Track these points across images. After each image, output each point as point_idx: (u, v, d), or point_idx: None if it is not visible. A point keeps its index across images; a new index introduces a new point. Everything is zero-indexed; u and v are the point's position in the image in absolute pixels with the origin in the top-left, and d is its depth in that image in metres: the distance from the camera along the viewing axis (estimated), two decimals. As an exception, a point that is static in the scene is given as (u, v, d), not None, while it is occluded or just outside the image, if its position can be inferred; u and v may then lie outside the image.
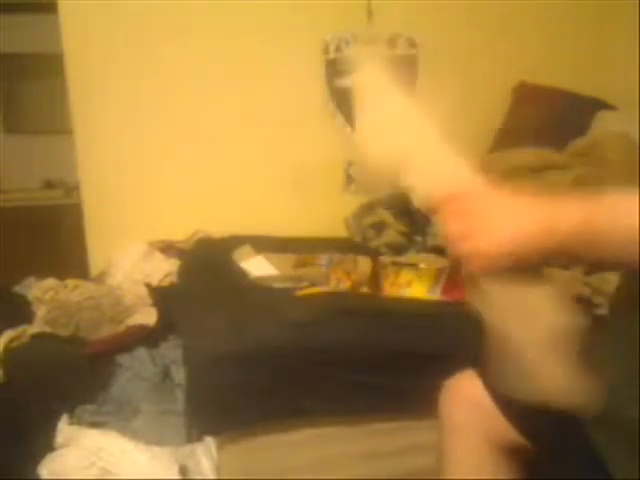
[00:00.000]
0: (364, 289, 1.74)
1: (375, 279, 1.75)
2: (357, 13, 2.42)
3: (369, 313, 1.58)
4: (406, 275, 1.75)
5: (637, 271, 0.71)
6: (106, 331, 1.80)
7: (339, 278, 1.77)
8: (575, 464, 0.93)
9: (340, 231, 2.34)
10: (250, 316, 1.55)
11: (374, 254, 1.96)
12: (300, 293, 1.70)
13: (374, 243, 2.17)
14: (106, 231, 2.42)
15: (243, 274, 1.87)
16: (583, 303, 1.58)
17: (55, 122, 3.53)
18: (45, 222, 3.74)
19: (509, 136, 2.34)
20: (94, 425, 1.55)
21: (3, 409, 1.55)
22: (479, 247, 0.74)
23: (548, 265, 0.83)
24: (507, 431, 0.99)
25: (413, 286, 1.71)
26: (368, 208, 2.32)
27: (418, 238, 2.13)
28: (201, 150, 2.44)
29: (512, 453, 1.02)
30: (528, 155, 2.00)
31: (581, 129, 2.14)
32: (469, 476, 1.04)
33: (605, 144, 1.99)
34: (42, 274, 2.05)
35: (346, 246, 2.09)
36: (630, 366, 0.85)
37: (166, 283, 2.11)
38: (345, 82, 2.49)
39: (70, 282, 1.95)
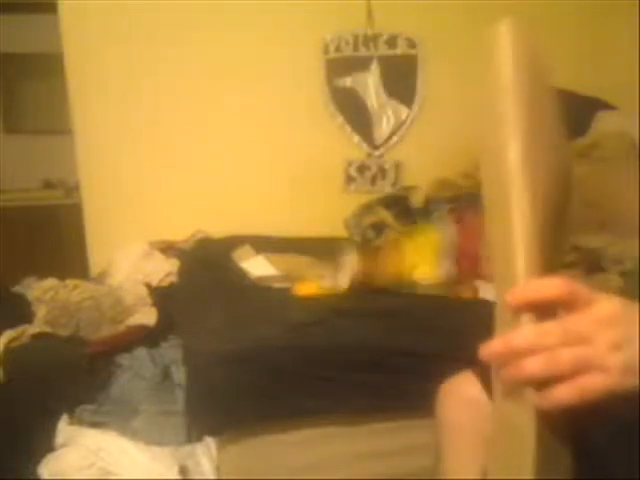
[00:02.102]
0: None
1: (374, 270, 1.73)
2: (357, 13, 2.42)
3: (369, 313, 1.58)
4: (410, 256, 1.72)
5: None
6: (106, 331, 1.80)
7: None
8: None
9: (340, 231, 2.34)
10: (250, 316, 1.55)
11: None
12: (300, 292, 1.70)
13: (374, 243, 2.16)
14: (106, 231, 2.42)
15: (243, 274, 1.87)
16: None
17: (55, 122, 3.54)
18: (45, 222, 3.74)
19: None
20: (94, 425, 1.55)
21: (3, 409, 1.55)
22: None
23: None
24: None
25: (419, 268, 1.69)
26: (368, 208, 2.32)
27: (418, 238, 2.13)
28: (201, 150, 2.44)
29: None
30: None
31: (581, 129, 2.14)
32: (466, 476, 1.04)
33: (605, 144, 1.99)
34: (42, 274, 2.05)
35: (346, 246, 2.09)
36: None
37: (166, 283, 2.11)
38: (345, 82, 2.50)
39: (70, 282, 1.95)
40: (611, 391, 0.52)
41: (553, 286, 0.53)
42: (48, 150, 3.97)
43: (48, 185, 4.22)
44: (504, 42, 0.61)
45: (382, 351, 1.48)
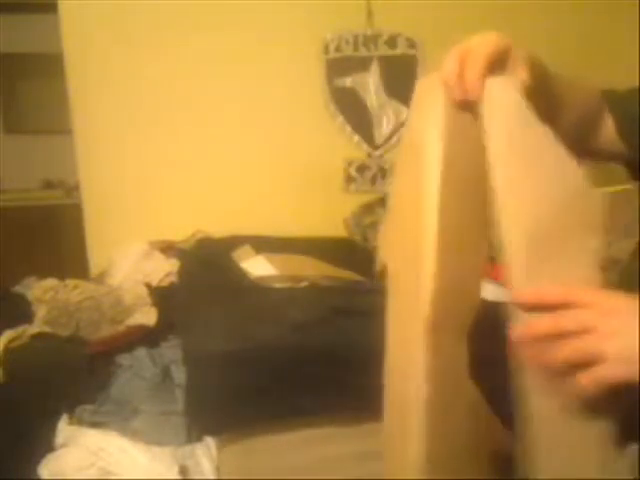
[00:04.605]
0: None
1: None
2: (357, 13, 2.42)
3: (369, 312, 1.58)
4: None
5: None
6: (106, 331, 1.80)
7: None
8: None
9: (340, 231, 2.34)
10: (250, 316, 1.55)
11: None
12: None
13: (374, 243, 2.17)
14: (106, 231, 2.42)
15: (243, 274, 1.87)
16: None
17: (55, 122, 3.53)
18: (45, 222, 3.74)
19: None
20: (94, 425, 1.55)
21: (3, 409, 1.55)
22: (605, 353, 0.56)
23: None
24: (503, 434, 0.99)
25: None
26: (368, 208, 2.32)
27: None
28: (201, 150, 2.44)
29: (509, 456, 1.01)
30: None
31: None
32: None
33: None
34: (42, 274, 2.05)
35: (346, 246, 2.09)
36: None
37: (166, 283, 2.11)
38: (345, 82, 2.50)
39: (70, 282, 1.95)
40: (610, 380, 0.55)
41: (551, 293, 0.60)
42: (48, 150, 3.97)
43: (48, 185, 4.22)
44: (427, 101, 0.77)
45: (382, 351, 1.48)
